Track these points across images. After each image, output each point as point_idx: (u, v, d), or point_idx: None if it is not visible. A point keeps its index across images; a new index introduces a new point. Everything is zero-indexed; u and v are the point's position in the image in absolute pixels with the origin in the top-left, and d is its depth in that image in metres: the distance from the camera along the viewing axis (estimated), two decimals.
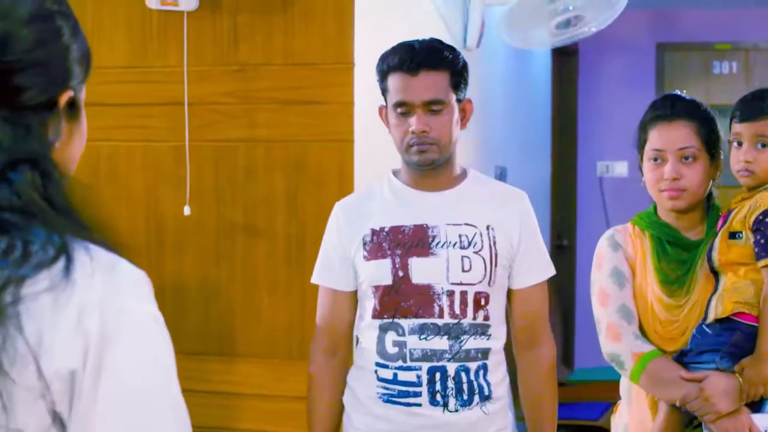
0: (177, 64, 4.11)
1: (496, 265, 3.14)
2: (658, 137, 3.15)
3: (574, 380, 7.49)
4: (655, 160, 3.15)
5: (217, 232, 4.13)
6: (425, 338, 3.09)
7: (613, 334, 3.14)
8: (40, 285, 1.30)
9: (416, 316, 3.09)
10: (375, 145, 4.06)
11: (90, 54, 1.50)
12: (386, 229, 3.16)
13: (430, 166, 3.14)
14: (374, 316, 3.15)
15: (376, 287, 3.15)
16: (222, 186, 4.12)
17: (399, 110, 3.12)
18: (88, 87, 1.54)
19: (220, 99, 4.10)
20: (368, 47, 4.02)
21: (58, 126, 1.41)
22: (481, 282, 3.12)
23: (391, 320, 3.12)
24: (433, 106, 3.09)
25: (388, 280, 3.12)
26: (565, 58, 8.63)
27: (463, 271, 3.11)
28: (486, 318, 3.13)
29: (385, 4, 4.25)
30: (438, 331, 3.09)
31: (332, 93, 3.96)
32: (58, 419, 1.31)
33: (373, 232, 3.17)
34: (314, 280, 3.32)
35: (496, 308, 3.17)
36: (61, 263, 1.31)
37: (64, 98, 1.42)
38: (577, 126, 8.89)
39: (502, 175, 6.19)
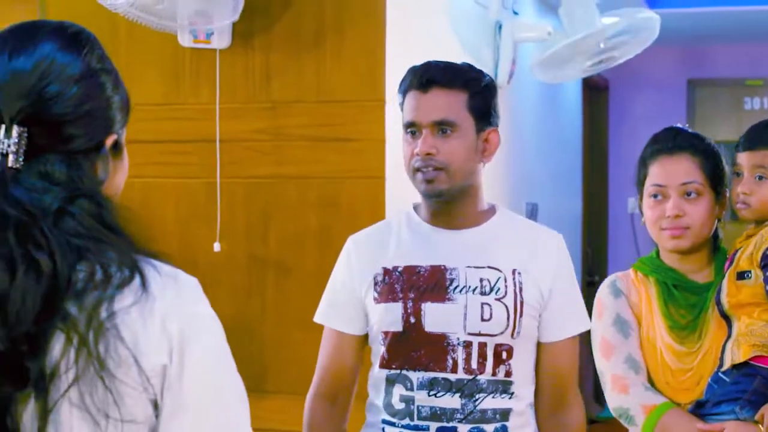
0: (209, 102, 4.13)
1: (521, 315, 2.76)
2: (658, 172, 2.94)
3: (604, 417, 7.44)
4: (655, 196, 2.94)
5: (249, 269, 4.14)
6: (435, 395, 2.74)
7: (620, 386, 2.89)
8: (127, 301, 1.57)
9: (426, 369, 2.74)
10: (406, 181, 4.06)
11: (129, 100, 1.77)
12: (400, 269, 2.82)
13: (439, 198, 2.80)
14: (381, 366, 2.81)
15: (386, 333, 2.80)
16: (253, 222, 4.13)
17: (408, 131, 2.83)
18: None
19: (251, 136, 4.12)
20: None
21: (106, 164, 1.70)
22: (502, 333, 2.75)
23: (399, 372, 2.78)
24: (443, 128, 2.76)
25: (397, 326, 2.77)
26: (595, 94, 8.63)
27: (483, 320, 2.74)
28: (508, 374, 2.76)
29: (416, 42, 4.27)
30: (449, 387, 2.73)
31: (364, 130, 3.98)
32: (157, 407, 1.61)
33: (386, 271, 2.83)
34: (318, 319, 3.00)
35: (522, 363, 2.79)
36: (137, 280, 1.59)
37: (109, 141, 1.70)
38: (607, 162, 8.88)
39: (533, 212, 6.18)
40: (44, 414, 1.52)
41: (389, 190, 3.97)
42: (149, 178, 4.24)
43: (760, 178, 2.90)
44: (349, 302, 2.90)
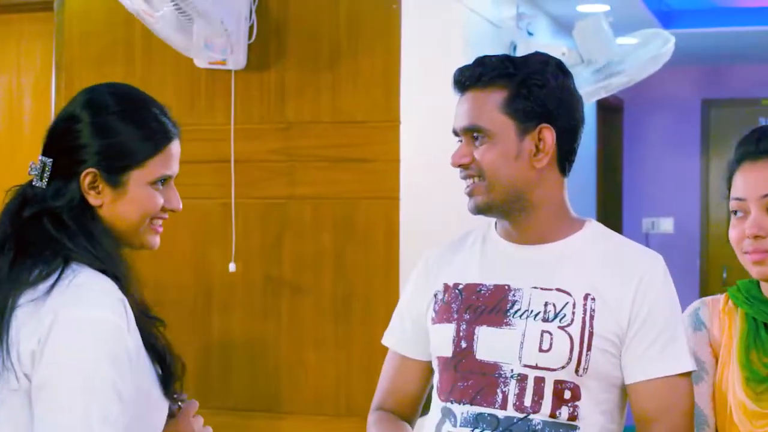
0: (224, 122, 4.15)
1: (588, 348, 2.31)
2: (740, 182, 2.33)
3: None
4: (736, 213, 2.34)
5: (264, 289, 4.15)
6: None
7: None
8: (35, 296, 1.99)
9: (472, 403, 2.35)
10: (421, 202, 4.08)
11: (122, 147, 2.18)
12: (461, 287, 2.44)
13: (484, 214, 2.42)
14: (437, 395, 2.45)
15: (439, 358, 2.44)
16: (269, 243, 4.14)
17: (456, 140, 2.45)
18: None
19: (267, 156, 4.13)
20: (414, 106, 4.04)
21: (75, 191, 2.12)
22: (563, 368, 2.31)
23: (447, 403, 2.40)
24: (474, 134, 2.38)
25: (447, 351, 2.40)
26: (609, 114, 8.63)
27: (541, 350, 2.31)
28: (572, 417, 2.31)
29: (431, 63, 4.28)
30: (496, 425, 2.32)
31: (379, 151, 3.99)
32: (26, 378, 1.98)
33: (446, 288, 2.46)
34: (382, 340, 2.64)
35: (595, 407, 2.34)
36: (51, 281, 2.00)
37: (83, 174, 2.12)
38: (622, 182, 8.86)
39: None
40: None
41: (404, 210, 3.97)
42: None
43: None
44: (413, 323, 2.55)
